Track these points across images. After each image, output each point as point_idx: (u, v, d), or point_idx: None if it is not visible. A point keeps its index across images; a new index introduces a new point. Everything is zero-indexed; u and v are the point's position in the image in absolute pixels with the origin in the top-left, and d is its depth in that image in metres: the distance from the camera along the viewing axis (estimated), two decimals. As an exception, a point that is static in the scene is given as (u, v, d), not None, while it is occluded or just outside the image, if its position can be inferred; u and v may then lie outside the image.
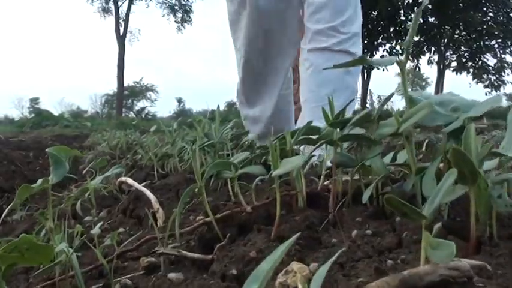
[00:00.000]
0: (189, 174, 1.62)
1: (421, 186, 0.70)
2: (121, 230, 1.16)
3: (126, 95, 39.02)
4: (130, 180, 1.58)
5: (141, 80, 43.68)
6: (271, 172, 0.74)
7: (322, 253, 0.67)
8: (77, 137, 18.74)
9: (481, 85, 21.88)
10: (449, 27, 21.30)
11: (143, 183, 1.89)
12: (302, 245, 0.71)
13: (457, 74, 22.50)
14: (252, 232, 0.81)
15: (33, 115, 26.59)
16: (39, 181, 1.18)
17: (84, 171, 3.41)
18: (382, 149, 0.81)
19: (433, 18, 20.97)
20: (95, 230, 0.98)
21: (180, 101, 48.45)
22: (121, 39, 29.72)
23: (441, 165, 0.75)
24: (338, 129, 0.84)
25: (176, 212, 0.86)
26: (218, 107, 1.71)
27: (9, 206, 1.24)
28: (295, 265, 0.59)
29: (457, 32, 21.76)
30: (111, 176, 1.92)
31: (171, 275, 0.74)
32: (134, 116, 38.83)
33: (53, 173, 1.17)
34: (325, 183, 1.02)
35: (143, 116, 40.73)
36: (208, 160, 1.58)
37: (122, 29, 29.83)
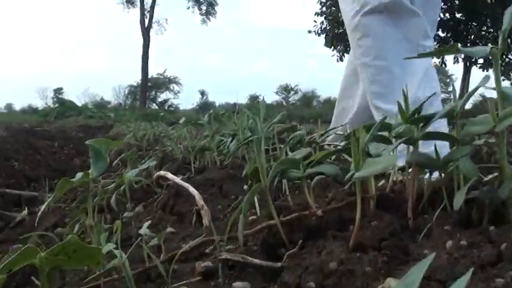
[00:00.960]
0: (232, 170, 1.54)
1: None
2: (170, 230, 1.08)
3: (149, 87, 39.17)
4: (170, 175, 1.52)
5: (164, 71, 43.77)
6: (352, 173, 0.66)
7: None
8: (102, 128, 18.89)
9: (507, 82, 21.58)
10: (476, 24, 20.99)
11: (181, 177, 1.82)
12: (389, 256, 0.64)
13: (483, 70, 22.19)
14: (325, 239, 0.73)
15: (57, 105, 26.83)
16: (79, 175, 1.12)
17: (114, 163, 3.37)
18: (471, 150, 0.72)
19: (460, 15, 20.69)
20: (144, 230, 0.91)
21: (203, 93, 48.59)
22: (146, 31, 29.84)
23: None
24: (419, 126, 0.76)
25: (238, 212, 0.79)
26: (263, 98, 1.63)
27: (49, 199, 1.18)
28: (391, 281, 0.51)
29: (484, 28, 21.44)
30: (148, 168, 1.86)
31: (237, 284, 0.67)
32: (157, 107, 38.98)
33: (93, 167, 1.11)
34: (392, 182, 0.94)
35: (166, 107, 40.89)
36: (251, 156, 1.51)
37: (146, 21, 29.95)
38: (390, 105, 2.29)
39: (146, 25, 29.97)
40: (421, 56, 0.68)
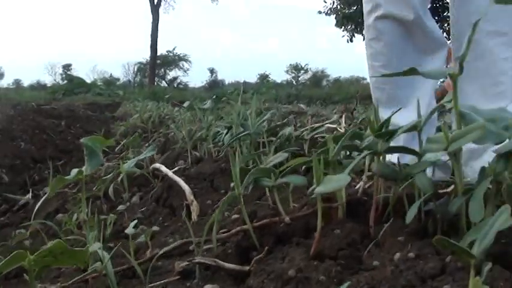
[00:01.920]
0: (224, 164, 1.60)
1: (467, 208, 0.67)
2: (155, 228, 1.14)
3: (158, 64, 39.17)
4: (163, 168, 1.58)
5: (173, 49, 43.67)
6: (313, 187, 0.72)
7: (364, 277, 0.65)
8: (109, 106, 18.94)
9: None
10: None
11: (177, 168, 1.89)
12: (343, 265, 0.70)
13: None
14: (290, 245, 0.79)
15: (65, 81, 26.91)
16: (74, 172, 1.19)
17: (116, 149, 3.44)
18: (429, 165, 0.78)
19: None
20: (129, 230, 0.98)
21: (212, 71, 48.52)
22: (155, 8, 29.77)
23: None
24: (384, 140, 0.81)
25: (213, 217, 0.85)
26: (254, 94, 1.69)
27: (44, 197, 1.25)
28: (336, 293, 0.57)
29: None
30: (151, 155, 1.91)
31: (208, 287, 0.73)
32: (166, 85, 38.96)
33: (88, 163, 1.17)
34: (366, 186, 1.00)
35: (175, 85, 40.86)
36: (243, 150, 1.57)
37: (155, -2, 29.88)
38: (391, 109, 2.34)
39: (156, 2, 29.90)
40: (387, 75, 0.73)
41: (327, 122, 2.02)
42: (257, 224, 0.87)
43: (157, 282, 0.82)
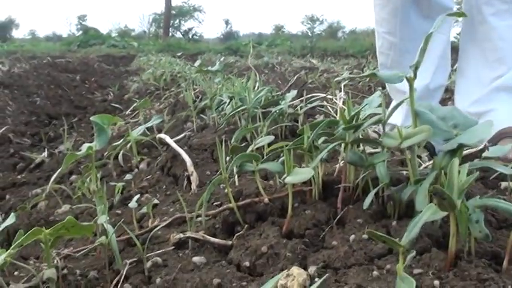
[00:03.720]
0: (224, 134, 1.72)
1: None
2: (156, 201, 1.27)
3: (173, 15, 38.86)
4: (168, 139, 1.70)
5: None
6: (284, 176, 0.84)
7: (322, 255, 0.78)
8: (124, 58, 18.92)
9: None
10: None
11: (182, 135, 2.01)
12: (307, 244, 0.83)
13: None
14: (267, 223, 0.92)
15: (80, 32, 26.90)
16: (84, 148, 1.30)
17: (129, 109, 3.56)
18: (387, 156, 0.89)
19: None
20: (133, 204, 1.10)
21: (227, 22, 48.18)
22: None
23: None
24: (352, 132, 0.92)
25: (203, 197, 0.97)
26: (255, 73, 1.79)
27: (57, 173, 1.38)
28: (295, 270, 0.70)
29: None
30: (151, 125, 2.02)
31: (195, 259, 0.86)
32: (181, 36, 38.71)
33: (97, 140, 1.29)
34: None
35: (190, 36, 40.58)
36: (242, 123, 1.68)
37: None
38: None
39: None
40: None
41: (320, 97, 2.10)
42: (241, 203, 0.99)
43: (156, 252, 0.95)
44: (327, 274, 0.71)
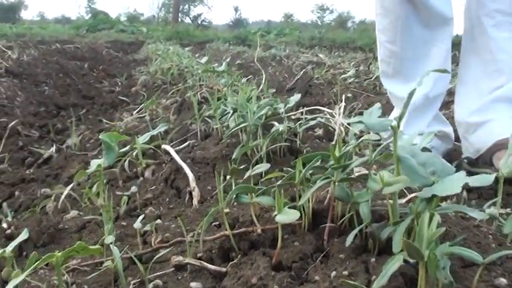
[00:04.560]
0: (226, 148, 1.80)
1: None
2: (158, 222, 1.36)
3: (182, 0, 38.87)
4: (173, 152, 1.78)
5: (198, -15, 43.36)
6: (275, 214, 0.93)
7: (308, 289, 0.87)
8: (132, 44, 18.95)
9: None
10: None
11: (186, 144, 2.10)
12: (293, 277, 0.91)
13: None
14: (258, 253, 1.01)
15: (89, 15, 26.96)
16: (93, 164, 1.39)
17: (135, 112, 3.64)
18: (370, 196, 0.97)
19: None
20: (137, 225, 1.19)
21: (236, 9, 48.20)
22: None
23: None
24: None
25: (202, 224, 1.06)
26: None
27: (68, 188, 1.47)
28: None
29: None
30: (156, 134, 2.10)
31: (193, 284, 0.96)
32: (190, 21, 38.70)
33: (105, 157, 1.38)
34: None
35: (199, 22, 40.57)
36: (243, 137, 1.76)
37: None
38: (395, 86, 2.51)
39: None
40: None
41: (319, 114, 2.18)
42: (236, 232, 1.08)
43: (157, 273, 1.05)
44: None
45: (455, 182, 0.83)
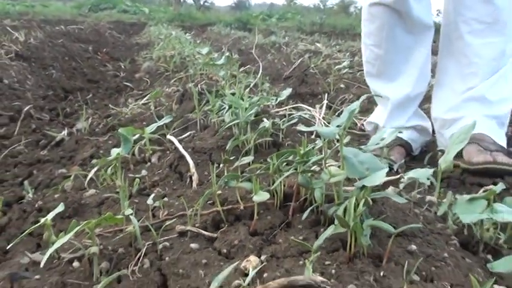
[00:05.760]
0: (221, 140, 2.14)
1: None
2: (165, 200, 1.70)
3: (185, -20, 38.82)
4: (176, 142, 2.12)
5: (200, -37, 43.30)
6: (252, 195, 1.28)
7: (272, 249, 1.22)
8: (134, 25, 19.10)
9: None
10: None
11: (187, 134, 2.44)
12: (264, 240, 1.27)
13: None
14: (241, 224, 1.36)
15: (92, -7, 27.01)
16: (113, 153, 1.72)
17: (141, 101, 3.96)
18: (323, 184, 1.32)
19: None
20: (149, 201, 1.54)
21: (239, -10, 48.06)
22: None
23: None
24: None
25: (199, 202, 1.40)
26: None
27: (92, 172, 1.81)
28: (252, 257, 1.14)
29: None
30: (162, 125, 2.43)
31: (192, 245, 1.30)
32: (193, 2, 38.64)
33: (123, 147, 1.71)
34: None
35: (201, 3, 40.53)
36: (236, 131, 2.10)
37: None
38: (379, 85, 2.79)
39: None
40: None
41: (303, 111, 2.51)
42: (225, 208, 1.44)
43: (165, 238, 1.39)
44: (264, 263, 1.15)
45: (378, 176, 1.17)
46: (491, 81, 2.46)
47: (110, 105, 4.29)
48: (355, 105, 1.38)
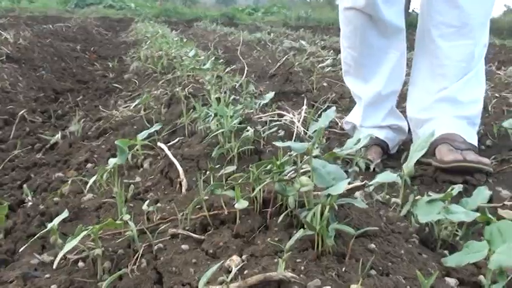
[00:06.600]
0: (208, 147, 2.34)
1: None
2: (158, 205, 1.89)
3: (171, -26, 38.71)
4: (166, 150, 2.30)
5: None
6: (235, 203, 1.48)
7: (251, 249, 1.41)
8: (121, 21, 19.17)
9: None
10: None
11: (176, 140, 2.63)
12: (245, 241, 1.47)
13: None
14: (225, 227, 1.56)
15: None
16: (111, 162, 1.91)
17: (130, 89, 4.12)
18: (295, 192, 1.51)
19: None
20: (145, 207, 1.73)
21: (224, -16, 47.97)
22: None
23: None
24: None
25: (190, 207, 1.60)
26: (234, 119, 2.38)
27: (93, 179, 2.01)
28: (234, 257, 1.34)
29: None
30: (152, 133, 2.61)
31: (183, 246, 1.50)
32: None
33: (119, 157, 1.90)
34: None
35: (187, -2, 40.39)
36: (220, 139, 2.29)
37: None
38: (355, 84, 2.96)
39: None
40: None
41: (281, 118, 2.70)
42: (211, 213, 1.63)
43: (159, 240, 1.58)
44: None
45: (341, 186, 1.37)
46: (462, 83, 2.61)
47: (101, 107, 4.39)
48: (332, 111, 1.60)
